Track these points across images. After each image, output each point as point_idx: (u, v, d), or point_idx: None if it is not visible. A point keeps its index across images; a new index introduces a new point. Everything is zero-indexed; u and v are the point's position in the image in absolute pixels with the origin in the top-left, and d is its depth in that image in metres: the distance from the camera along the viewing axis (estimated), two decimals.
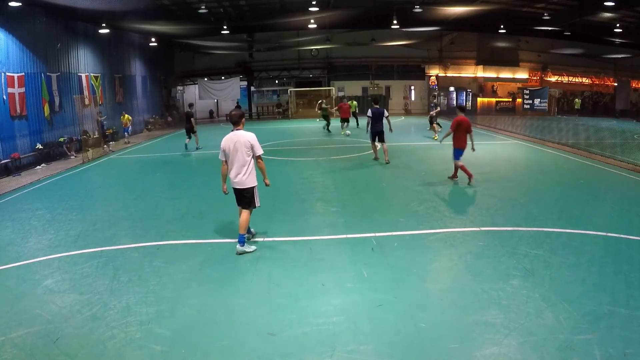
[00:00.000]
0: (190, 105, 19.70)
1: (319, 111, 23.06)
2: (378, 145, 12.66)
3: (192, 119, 17.10)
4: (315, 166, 12.58)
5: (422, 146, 16.04)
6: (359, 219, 7.53)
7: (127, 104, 22.98)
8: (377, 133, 12.39)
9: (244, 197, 6.09)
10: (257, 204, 6.19)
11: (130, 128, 20.60)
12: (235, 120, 6.03)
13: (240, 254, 5.98)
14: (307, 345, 3.94)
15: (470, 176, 9.66)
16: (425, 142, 17.01)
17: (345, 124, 19.97)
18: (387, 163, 12.26)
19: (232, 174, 6.02)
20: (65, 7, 15.50)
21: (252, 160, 6.02)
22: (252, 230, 6.56)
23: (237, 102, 34.02)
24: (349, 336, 4.04)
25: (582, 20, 22.80)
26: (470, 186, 9.57)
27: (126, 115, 20.15)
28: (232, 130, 6.02)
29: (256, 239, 6.59)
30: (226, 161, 6.04)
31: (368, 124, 12.46)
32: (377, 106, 12.47)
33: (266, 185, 6.25)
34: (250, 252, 6.04)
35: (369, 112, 12.26)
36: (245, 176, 5.97)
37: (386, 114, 12.40)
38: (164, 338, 4.09)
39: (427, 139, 18.02)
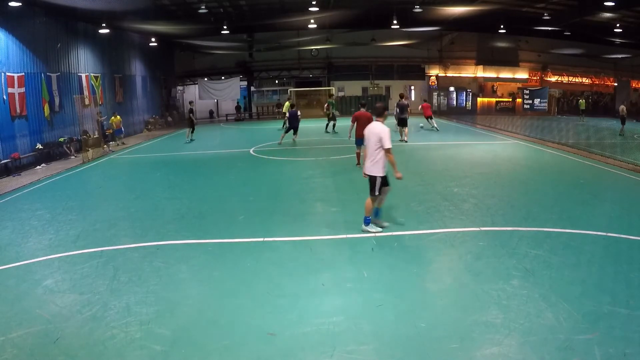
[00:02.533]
0: (190, 102, 21.50)
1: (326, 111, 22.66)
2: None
3: (191, 114, 19.08)
4: (315, 166, 12.57)
5: (422, 146, 16.04)
6: (359, 219, 7.51)
7: (127, 104, 22.98)
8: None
9: (369, 183, 6.54)
10: (376, 192, 6.51)
11: (122, 129, 19.89)
12: (379, 112, 6.60)
13: (364, 232, 6.53)
14: (307, 345, 3.94)
15: (359, 163, 11.18)
16: (425, 142, 17.02)
17: (333, 122, 20.92)
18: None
19: (366, 161, 6.56)
20: (65, 7, 15.50)
21: (380, 151, 6.37)
22: (384, 224, 6.77)
23: (237, 102, 34.10)
24: (349, 336, 4.04)
25: (582, 20, 22.83)
26: (464, 186, 9.57)
27: (118, 117, 19.45)
28: (374, 121, 6.61)
29: (256, 239, 6.59)
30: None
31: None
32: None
33: (397, 178, 6.50)
34: (372, 232, 6.47)
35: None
36: (372, 165, 6.46)
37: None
38: (164, 338, 4.09)
39: (428, 138, 18.03)
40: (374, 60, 33.21)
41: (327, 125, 21.31)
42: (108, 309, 4.62)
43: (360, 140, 10.79)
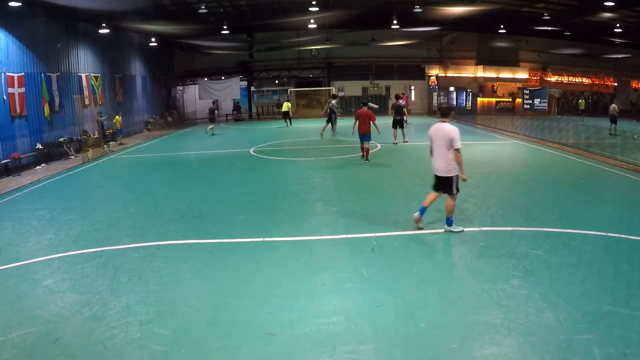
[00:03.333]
0: (214, 102, 25.65)
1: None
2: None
3: (216, 112, 23.05)
4: (315, 166, 12.57)
5: (421, 146, 16.01)
6: (359, 219, 7.53)
7: (127, 104, 22.98)
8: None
9: (443, 184, 6.53)
10: (454, 191, 6.51)
11: (122, 129, 20.31)
12: (445, 113, 6.68)
13: (446, 231, 6.58)
14: (307, 345, 3.94)
15: (363, 156, 12.84)
16: (425, 142, 16.98)
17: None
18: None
19: (433, 161, 6.60)
20: (65, 7, 15.50)
21: (452, 151, 6.37)
22: (459, 227, 6.68)
23: (238, 102, 34.06)
24: (349, 336, 4.04)
25: (582, 20, 22.82)
26: (464, 186, 9.56)
27: (121, 117, 20.03)
28: (439, 122, 6.56)
29: (256, 239, 6.60)
30: (431, 148, 6.65)
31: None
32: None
33: (462, 180, 6.49)
34: (456, 232, 6.50)
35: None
36: (446, 165, 6.43)
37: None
38: (164, 338, 4.09)
39: (427, 138, 18.00)
40: (374, 60, 33.19)
41: (325, 127, 19.36)
42: (108, 309, 4.62)
43: (361, 135, 12.83)
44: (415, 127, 21.78)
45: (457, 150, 6.35)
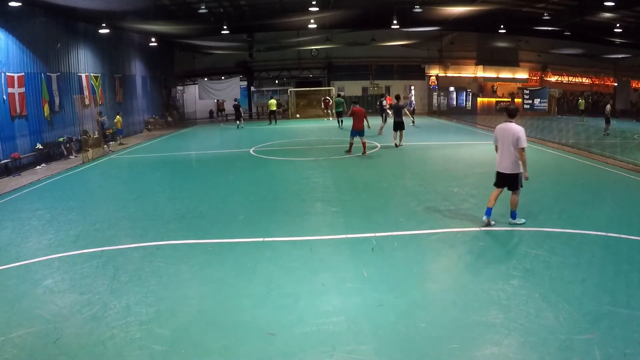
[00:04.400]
0: (236, 99, 27.05)
1: (326, 110, 23.52)
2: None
3: (240, 108, 25.39)
4: (315, 166, 12.57)
5: (421, 146, 16.03)
6: (359, 219, 7.53)
7: (127, 104, 22.98)
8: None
9: (508, 181, 6.82)
10: (519, 187, 6.86)
11: (122, 129, 20.36)
12: (512, 114, 6.99)
13: (511, 224, 6.87)
14: (307, 345, 3.94)
15: (349, 151, 13.98)
16: (425, 142, 17.01)
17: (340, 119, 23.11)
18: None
19: (498, 160, 6.89)
20: (65, 7, 15.49)
21: (517, 150, 6.66)
22: (522, 220, 6.97)
23: (238, 101, 34.04)
24: (349, 336, 4.04)
25: (582, 20, 22.80)
26: (464, 186, 9.57)
27: (121, 117, 20.06)
28: (505, 122, 6.86)
29: (256, 239, 6.60)
30: (496, 146, 6.94)
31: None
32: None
33: (525, 178, 6.76)
34: (519, 224, 6.82)
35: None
36: (509, 163, 6.73)
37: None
38: (164, 338, 4.09)
39: (427, 138, 18.03)
40: (374, 60, 33.19)
41: (339, 121, 23.06)
42: (108, 309, 4.62)
43: (354, 131, 14.03)
44: (414, 127, 21.76)
45: (522, 149, 6.64)
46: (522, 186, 6.88)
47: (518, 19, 24.61)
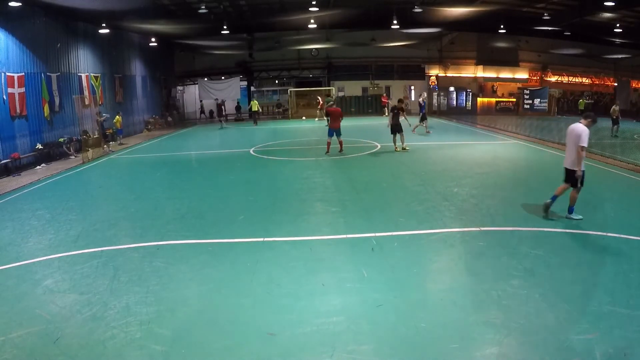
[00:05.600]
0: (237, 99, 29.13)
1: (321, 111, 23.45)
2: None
3: (223, 107, 26.52)
4: (315, 166, 12.57)
5: (422, 146, 16.02)
6: (359, 219, 7.53)
7: (127, 104, 22.97)
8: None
9: (571, 177, 7.18)
10: (579, 184, 7.12)
11: (122, 129, 20.35)
12: (587, 117, 7.40)
13: (567, 218, 7.18)
14: (307, 345, 3.94)
15: (328, 152, 14.14)
16: (425, 142, 17.01)
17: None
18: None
19: (566, 156, 7.39)
20: (65, 7, 15.49)
21: (578, 147, 7.03)
22: (579, 216, 7.20)
23: (238, 102, 34.06)
24: (349, 336, 4.04)
25: (582, 20, 22.79)
26: (464, 186, 9.57)
27: (121, 117, 20.06)
28: (578, 122, 7.32)
29: (256, 239, 6.60)
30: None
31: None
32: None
33: (576, 176, 7.02)
34: (576, 219, 7.08)
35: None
36: (572, 160, 7.18)
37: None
38: (164, 338, 4.09)
39: (427, 138, 18.03)
40: (373, 60, 33.19)
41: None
42: (108, 309, 4.62)
43: (331, 130, 14.15)
44: (417, 129, 21.73)
45: (582, 147, 6.99)
46: (582, 185, 7.12)
47: (518, 19, 24.60)
